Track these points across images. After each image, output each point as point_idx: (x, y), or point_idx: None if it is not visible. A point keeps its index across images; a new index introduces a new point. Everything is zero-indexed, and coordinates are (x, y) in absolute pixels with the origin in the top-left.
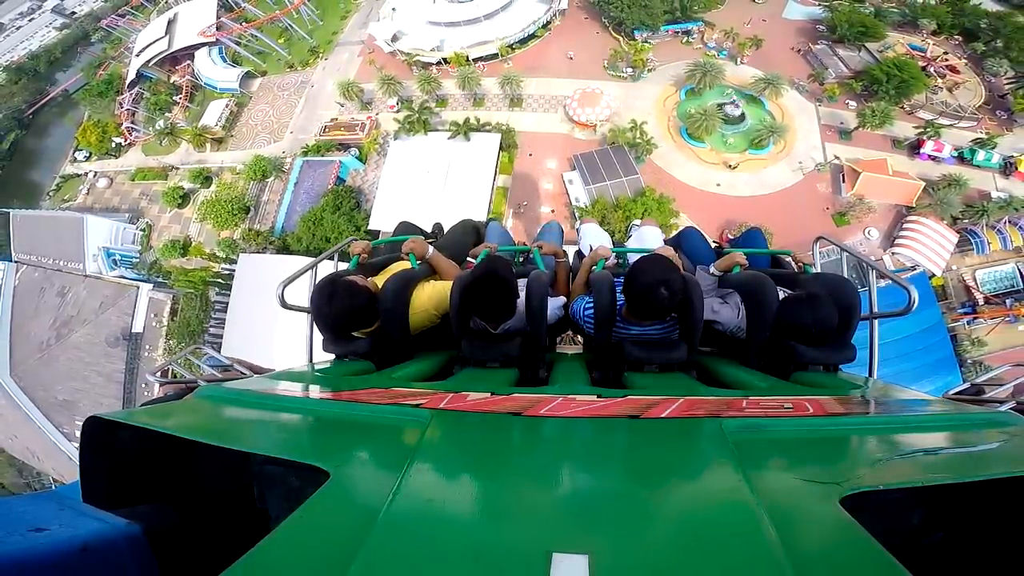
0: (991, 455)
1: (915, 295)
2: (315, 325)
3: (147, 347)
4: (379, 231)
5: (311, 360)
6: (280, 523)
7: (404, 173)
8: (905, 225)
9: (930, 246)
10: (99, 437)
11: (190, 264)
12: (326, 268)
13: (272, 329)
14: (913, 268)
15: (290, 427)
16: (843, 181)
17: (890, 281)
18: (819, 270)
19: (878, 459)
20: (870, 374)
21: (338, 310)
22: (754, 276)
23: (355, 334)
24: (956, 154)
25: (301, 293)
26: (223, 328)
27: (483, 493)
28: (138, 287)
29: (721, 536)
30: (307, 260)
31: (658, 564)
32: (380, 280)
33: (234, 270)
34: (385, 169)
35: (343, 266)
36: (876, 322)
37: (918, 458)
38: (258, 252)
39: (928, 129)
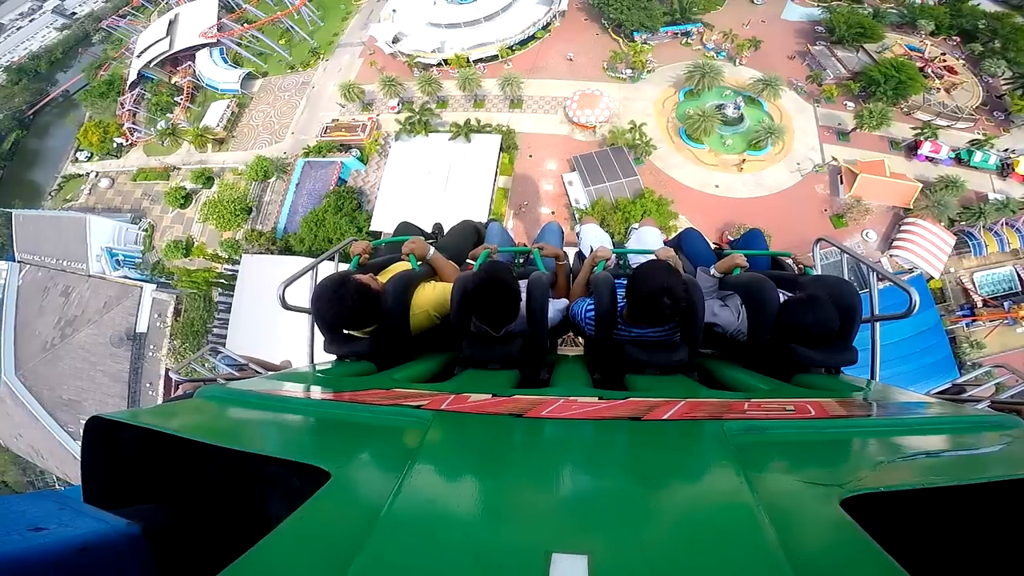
0: (992, 458)
1: (916, 297)
2: (316, 326)
3: (151, 347)
4: (381, 232)
5: (312, 361)
6: (280, 523)
7: (405, 174)
8: (903, 227)
9: (928, 248)
10: (101, 437)
11: (193, 265)
12: (326, 268)
13: (276, 329)
14: (911, 270)
15: (291, 427)
16: (841, 182)
17: (890, 283)
18: (819, 272)
19: (880, 461)
20: (872, 376)
21: (337, 311)
22: (754, 278)
23: (356, 334)
24: (953, 155)
25: (302, 294)
26: (227, 328)
27: (484, 494)
28: (141, 287)
29: (722, 538)
30: (309, 261)
31: (658, 565)
32: (381, 279)
33: (237, 271)
34: (386, 170)
35: (344, 266)
36: (877, 324)
37: (919, 460)
38: (260, 253)
39: (926, 130)
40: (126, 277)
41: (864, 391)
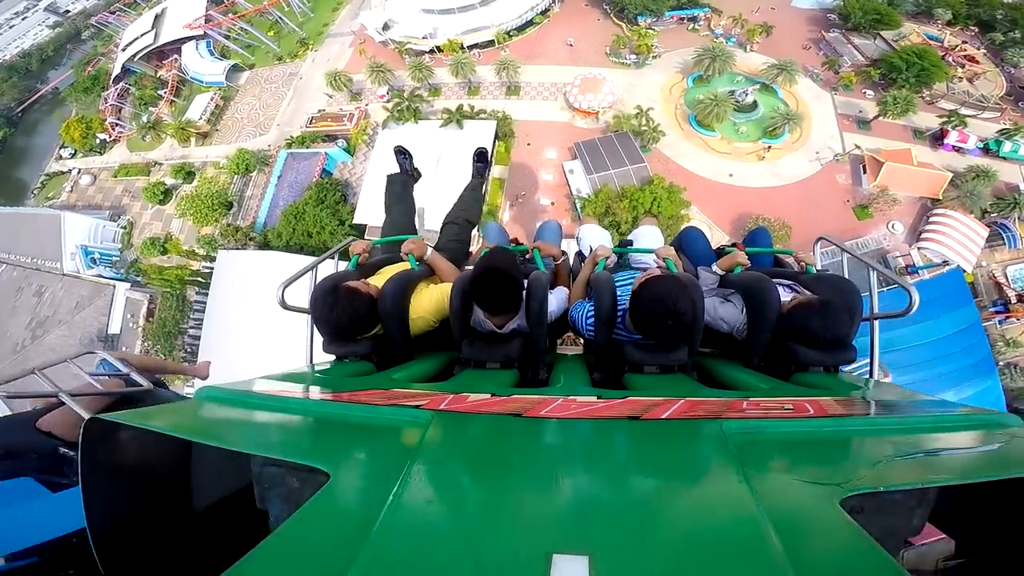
0: (992, 456)
1: (915, 296)
2: (315, 327)
3: (124, 349)
4: (365, 225)
5: (311, 361)
6: (280, 525)
7: (392, 163)
8: (932, 218)
9: (960, 240)
10: (99, 439)
11: (171, 262)
12: (325, 267)
13: (252, 329)
14: (945, 263)
15: (290, 428)
16: (864, 172)
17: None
18: (820, 269)
19: (879, 460)
20: (870, 375)
21: (340, 317)
22: (755, 277)
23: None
24: (981, 145)
25: (298, 292)
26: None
27: (483, 494)
28: (114, 286)
29: (721, 537)
30: (284, 255)
31: (658, 564)
32: (378, 280)
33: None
34: (372, 159)
35: (343, 265)
36: (876, 323)
37: (918, 459)
38: (238, 248)
39: (953, 118)
40: (100, 276)
41: (862, 390)
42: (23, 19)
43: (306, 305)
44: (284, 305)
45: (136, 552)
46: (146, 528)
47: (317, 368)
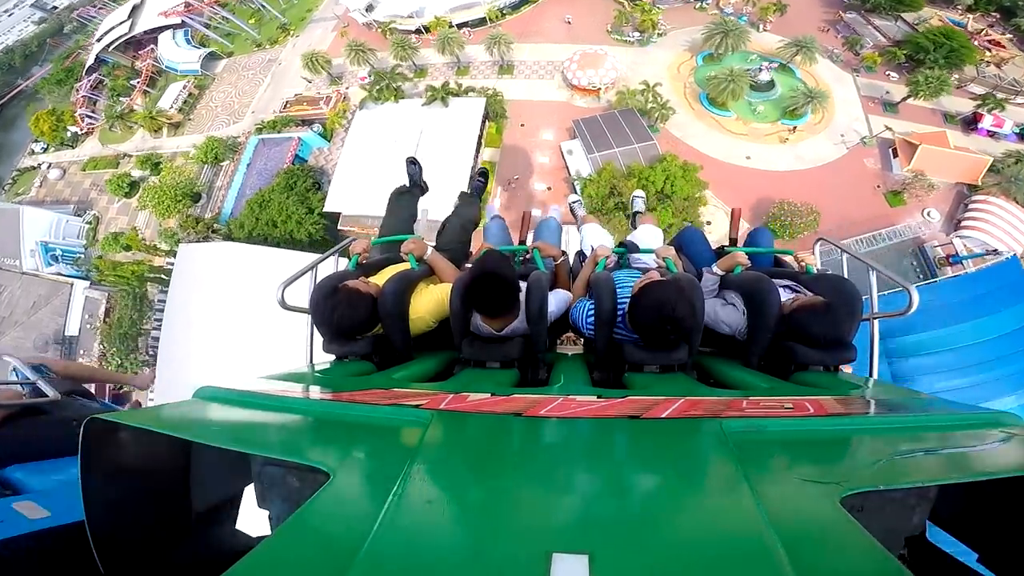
0: (991, 455)
1: (915, 296)
2: (315, 328)
3: (82, 351)
4: (338, 213)
5: (311, 361)
6: (280, 524)
7: (369, 145)
8: (971, 205)
9: (1004, 228)
10: (99, 439)
11: (136, 258)
12: (325, 266)
13: (213, 328)
14: (995, 252)
15: (290, 428)
16: (895, 156)
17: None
18: (820, 269)
19: (879, 459)
20: (870, 374)
21: (341, 319)
22: (755, 277)
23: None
24: (1018, 130)
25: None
26: None
27: (483, 494)
28: (72, 284)
29: (721, 536)
30: (247, 247)
31: (658, 563)
32: (378, 279)
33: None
34: (347, 142)
35: (343, 262)
36: (876, 322)
37: (918, 458)
38: (200, 241)
39: (988, 101)
40: (59, 274)
41: (862, 389)
42: (9, 15)
43: (296, 302)
44: (284, 305)
45: (135, 552)
46: (145, 528)
47: (317, 368)
